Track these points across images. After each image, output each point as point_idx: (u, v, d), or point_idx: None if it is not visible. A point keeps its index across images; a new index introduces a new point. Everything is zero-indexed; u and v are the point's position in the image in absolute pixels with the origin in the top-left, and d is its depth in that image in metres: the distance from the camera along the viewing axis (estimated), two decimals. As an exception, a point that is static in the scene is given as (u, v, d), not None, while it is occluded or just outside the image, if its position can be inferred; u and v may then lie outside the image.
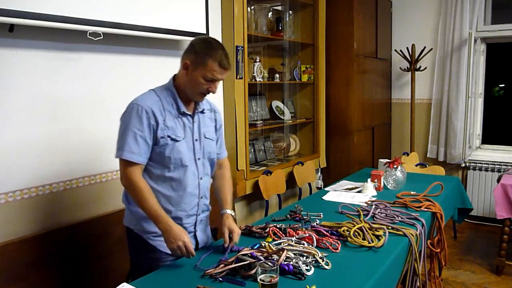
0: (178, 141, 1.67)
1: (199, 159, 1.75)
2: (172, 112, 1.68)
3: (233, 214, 1.81)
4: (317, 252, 1.59)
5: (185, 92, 1.69)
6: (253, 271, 1.45)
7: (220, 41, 3.01)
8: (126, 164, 1.61)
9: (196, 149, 1.74)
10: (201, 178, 1.76)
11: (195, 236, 1.80)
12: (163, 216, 1.59)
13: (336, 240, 1.76)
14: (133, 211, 1.70)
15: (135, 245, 1.75)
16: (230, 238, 1.70)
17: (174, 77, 1.74)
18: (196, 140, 1.74)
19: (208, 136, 1.80)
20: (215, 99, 3.05)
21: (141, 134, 1.60)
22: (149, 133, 1.61)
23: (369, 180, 2.62)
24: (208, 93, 1.68)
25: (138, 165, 1.62)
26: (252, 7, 3.36)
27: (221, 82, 3.04)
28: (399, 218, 2.06)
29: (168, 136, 1.65)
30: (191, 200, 1.74)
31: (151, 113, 1.61)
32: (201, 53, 1.60)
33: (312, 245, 1.70)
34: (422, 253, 1.95)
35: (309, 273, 1.48)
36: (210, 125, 1.83)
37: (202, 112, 1.78)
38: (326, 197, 2.51)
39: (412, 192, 2.51)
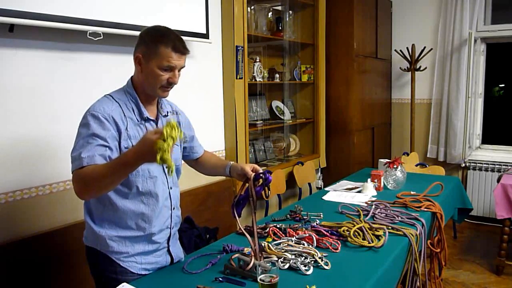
0: None
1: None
2: (134, 119, 1.51)
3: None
4: (316, 252, 1.59)
5: (145, 91, 1.53)
6: (253, 270, 1.45)
7: (220, 41, 3.04)
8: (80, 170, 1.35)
9: None
10: (170, 188, 1.63)
11: (168, 252, 1.66)
12: (123, 155, 1.33)
13: (336, 240, 1.76)
14: (97, 231, 1.52)
15: (101, 267, 1.56)
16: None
17: (132, 78, 1.57)
18: None
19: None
20: (216, 99, 3.07)
21: (105, 144, 1.39)
22: (113, 144, 1.42)
23: (369, 180, 2.62)
24: (170, 85, 1.50)
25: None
26: (252, 7, 3.36)
27: (221, 82, 3.11)
28: (399, 218, 2.05)
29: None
30: (164, 212, 1.61)
31: (112, 121, 1.43)
32: (152, 42, 1.45)
33: (312, 245, 1.70)
34: (422, 253, 1.95)
35: (308, 273, 1.49)
36: None
37: (165, 115, 1.64)
38: (326, 197, 2.51)
39: (412, 192, 2.51)
